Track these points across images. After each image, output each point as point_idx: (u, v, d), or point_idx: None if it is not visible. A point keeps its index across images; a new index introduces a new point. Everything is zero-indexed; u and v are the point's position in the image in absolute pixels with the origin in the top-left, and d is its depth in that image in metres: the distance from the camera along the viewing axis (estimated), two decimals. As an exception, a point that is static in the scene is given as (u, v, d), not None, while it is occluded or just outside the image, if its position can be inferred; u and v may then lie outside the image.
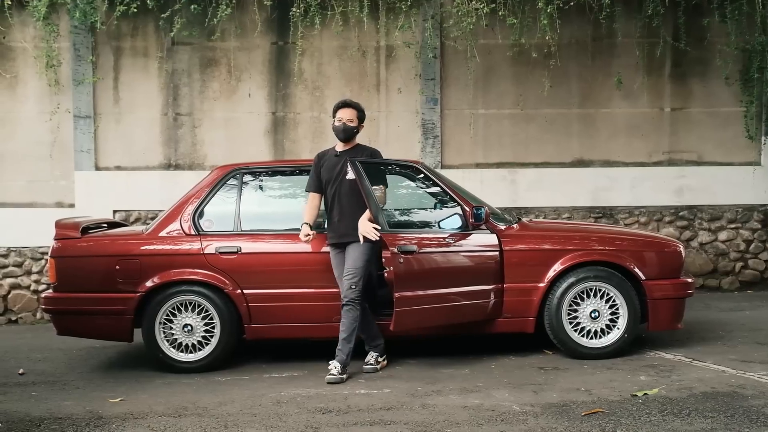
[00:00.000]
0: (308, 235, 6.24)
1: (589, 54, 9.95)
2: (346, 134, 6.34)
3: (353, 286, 6.04)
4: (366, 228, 6.04)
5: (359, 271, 6.07)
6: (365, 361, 6.24)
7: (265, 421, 5.01)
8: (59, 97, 9.65)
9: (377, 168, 6.33)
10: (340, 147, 6.40)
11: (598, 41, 9.95)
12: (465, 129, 9.88)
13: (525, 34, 9.25)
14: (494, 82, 9.96)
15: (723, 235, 10.07)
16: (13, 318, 9.67)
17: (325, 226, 6.39)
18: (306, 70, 9.83)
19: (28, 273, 9.78)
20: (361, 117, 6.40)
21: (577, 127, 10.01)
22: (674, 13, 9.59)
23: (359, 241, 6.10)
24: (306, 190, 6.44)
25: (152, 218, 9.49)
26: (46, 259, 9.67)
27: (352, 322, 6.07)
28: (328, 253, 6.35)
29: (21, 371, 6.69)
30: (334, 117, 6.40)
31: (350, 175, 6.19)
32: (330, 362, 6.05)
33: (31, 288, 9.77)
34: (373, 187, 6.10)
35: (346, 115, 6.34)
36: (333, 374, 5.95)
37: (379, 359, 6.29)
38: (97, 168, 9.77)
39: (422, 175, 6.78)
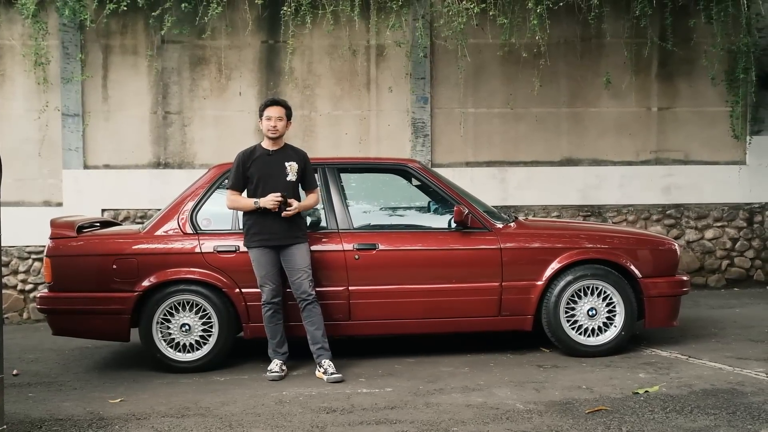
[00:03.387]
0: (278, 196, 6.09)
1: (578, 54, 10.01)
2: (279, 133, 6.28)
3: (311, 283, 6.16)
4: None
5: (310, 268, 6.19)
6: (269, 369, 6.16)
7: (269, 420, 5.00)
8: (48, 95, 9.56)
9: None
10: (270, 146, 6.30)
11: (586, 41, 10.01)
12: (455, 128, 9.91)
13: (515, 33, 9.28)
14: (484, 81, 9.99)
15: (709, 234, 10.17)
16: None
17: (246, 226, 6.24)
18: (296, 68, 9.82)
19: (15, 272, 9.69)
20: (289, 115, 6.36)
21: (566, 126, 10.07)
22: (661, 13, 9.67)
23: (303, 241, 6.20)
24: (230, 188, 6.29)
25: (141, 217, 9.48)
26: (34, 259, 9.62)
27: (320, 317, 6.18)
28: (325, 252, 6.36)
29: (15, 372, 6.63)
30: (261, 115, 6.31)
31: (291, 176, 6.21)
32: (323, 361, 6.09)
33: (18, 287, 9.68)
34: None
35: (276, 113, 6.27)
36: (334, 374, 5.99)
37: (283, 367, 6.22)
38: (86, 166, 9.70)
39: (416, 175, 6.81)
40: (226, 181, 6.65)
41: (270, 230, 6.16)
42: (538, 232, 6.80)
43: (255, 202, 6.14)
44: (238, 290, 6.38)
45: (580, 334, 6.49)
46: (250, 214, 6.20)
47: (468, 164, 9.97)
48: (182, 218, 6.55)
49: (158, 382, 6.10)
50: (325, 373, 6.04)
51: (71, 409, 5.41)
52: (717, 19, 9.33)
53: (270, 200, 6.07)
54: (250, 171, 6.23)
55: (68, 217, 7.10)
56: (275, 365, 6.17)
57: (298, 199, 6.24)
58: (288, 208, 6.10)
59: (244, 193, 6.30)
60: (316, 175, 6.48)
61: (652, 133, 10.17)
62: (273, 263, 6.18)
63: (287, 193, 6.13)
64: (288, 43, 9.47)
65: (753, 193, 10.19)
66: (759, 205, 10.21)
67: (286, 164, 6.24)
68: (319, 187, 6.48)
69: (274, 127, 6.23)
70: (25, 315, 9.65)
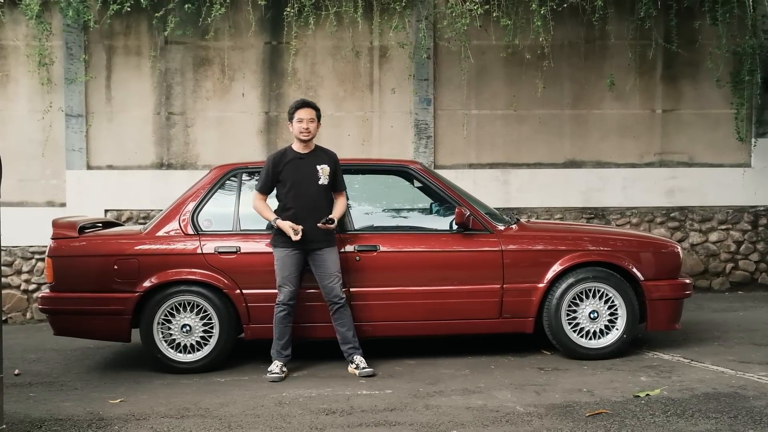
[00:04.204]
0: (297, 232, 6.12)
1: (581, 55, 9.99)
2: (312, 135, 6.28)
3: (342, 287, 6.20)
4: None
5: (340, 272, 6.22)
6: (270, 369, 6.16)
7: (269, 422, 4.99)
8: (51, 95, 9.57)
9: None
10: (301, 148, 6.31)
11: (590, 43, 9.98)
12: (458, 129, 9.90)
13: (518, 35, 9.27)
14: (487, 83, 9.97)
15: (714, 236, 10.14)
16: (3, 318, 9.57)
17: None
18: (299, 70, 9.82)
19: (18, 272, 9.70)
20: (318, 116, 6.36)
21: (569, 128, 10.05)
22: (666, 15, 9.64)
23: (331, 246, 6.20)
24: (258, 190, 6.32)
25: (144, 218, 9.49)
26: (37, 259, 9.62)
27: (350, 319, 6.22)
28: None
29: (16, 372, 6.64)
30: (291, 118, 6.29)
31: (323, 179, 6.21)
32: (355, 357, 6.17)
33: (21, 288, 9.69)
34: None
35: (308, 114, 6.26)
36: (366, 368, 6.11)
37: (284, 368, 6.20)
38: (89, 167, 9.71)
39: (417, 176, 6.80)
40: (228, 181, 6.67)
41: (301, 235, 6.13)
42: (539, 234, 6.79)
43: (274, 220, 6.17)
44: (238, 291, 6.38)
45: (581, 336, 6.47)
46: (279, 215, 6.20)
47: (471, 166, 9.95)
48: (183, 219, 6.55)
49: (158, 383, 6.10)
50: (357, 368, 6.12)
51: (71, 409, 5.41)
52: (722, 21, 9.31)
53: (287, 228, 6.08)
54: (282, 175, 6.23)
55: (70, 218, 7.09)
56: (276, 366, 6.16)
57: (331, 202, 6.27)
58: (328, 224, 6.12)
59: (270, 205, 6.34)
60: None
61: (656, 135, 10.14)
62: (297, 266, 6.18)
63: (319, 196, 6.19)
64: (291, 44, 9.47)
65: (758, 196, 10.15)
66: (764, 207, 10.17)
67: (318, 167, 6.23)
68: (346, 189, 6.45)
69: (307, 129, 6.22)
70: (28, 315, 9.66)
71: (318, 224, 6.09)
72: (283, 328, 6.22)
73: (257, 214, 6.57)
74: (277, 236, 6.20)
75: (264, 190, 6.31)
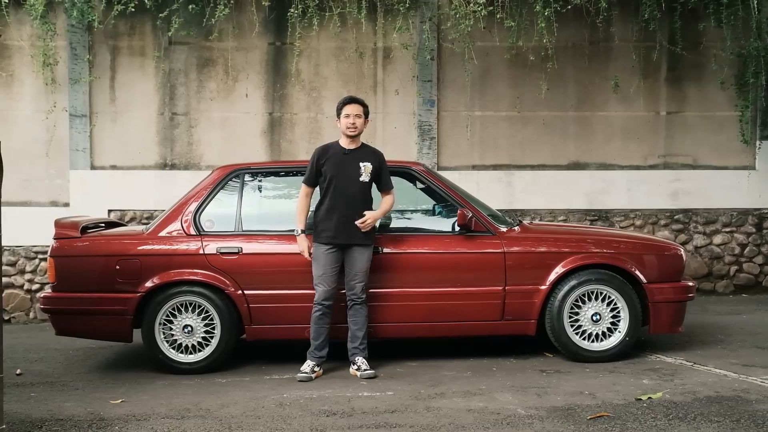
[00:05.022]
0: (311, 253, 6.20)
1: (586, 57, 9.98)
2: (358, 131, 6.27)
3: (364, 288, 6.18)
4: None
5: (367, 274, 6.18)
6: (301, 369, 6.15)
7: (269, 423, 4.98)
8: (55, 95, 9.57)
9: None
10: (347, 144, 6.30)
11: (595, 44, 9.97)
12: (461, 131, 9.89)
13: (522, 36, 9.26)
14: (491, 85, 9.96)
15: (718, 239, 10.11)
16: (6, 317, 9.60)
17: (315, 222, 6.24)
18: (303, 70, 9.82)
19: (22, 272, 9.72)
20: (366, 113, 6.35)
21: (573, 129, 10.03)
22: (671, 17, 9.61)
23: (367, 245, 6.18)
24: (304, 182, 6.30)
25: (148, 218, 9.49)
26: (40, 258, 9.63)
27: (365, 319, 6.20)
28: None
29: (18, 371, 6.64)
30: (339, 113, 6.30)
31: (365, 176, 6.19)
32: (357, 359, 6.18)
33: (25, 287, 9.70)
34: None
35: (355, 110, 6.26)
36: (367, 370, 6.11)
37: (315, 368, 6.18)
38: (93, 167, 9.72)
39: (420, 178, 6.79)
40: (231, 182, 6.68)
41: (331, 228, 6.14)
42: (542, 236, 6.76)
43: (297, 231, 6.23)
44: (240, 292, 6.37)
45: (583, 339, 6.46)
46: (318, 211, 6.22)
47: (474, 167, 9.94)
48: (186, 219, 6.54)
49: (160, 383, 6.10)
50: (358, 369, 6.13)
51: (72, 410, 5.41)
52: (727, 23, 9.29)
53: (302, 248, 6.20)
54: (324, 168, 6.22)
55: (73, 218, 7.09)
56: (308, 366, 6.16)
57: (370, 201, 6.25)
58: (362, 221, 6.13)
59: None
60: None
61: (661, 137, 10.12)
62: (333, 265, 6.16)
63: (359, 193, 6.18)
64: (295, 45, 9.47)
65: (762, 199, 10.13)
66: (768, 210, 10.17)
67: (361, 164, 6.21)
68: (394, 188, 6.42)
69: (353, 124, 6.21)
70: (31, 315, 9.67)
71: (355, 222, 6.11)
72: (319, 329, 6.18)
73: (259, 215, 6.62)
74: (316, 232, 6.20)
75: (308, 182, 6.29)
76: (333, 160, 6.22)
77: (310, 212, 6.32)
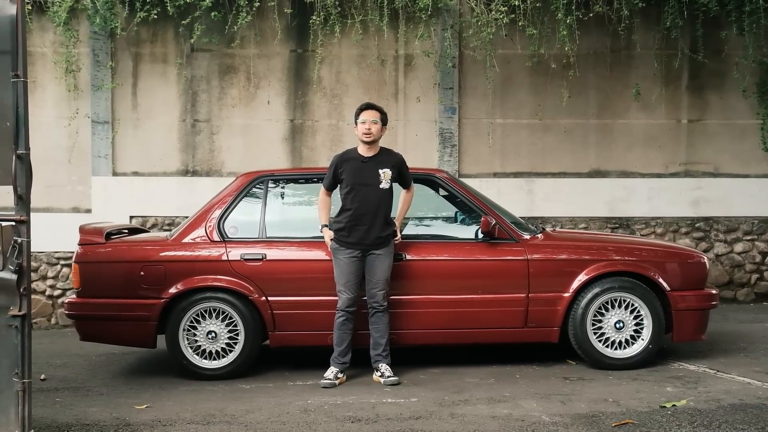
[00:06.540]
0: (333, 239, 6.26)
1: (607, 65, 9.97)
2: (374, 137, 6.28)
3: (385, 295, 6.19)
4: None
5: (388, 281, 6.22)
6: (325, 375, 6.17)
7: (294, 429, 5.00)
8: (78, 102, 9.65)
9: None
10: (364, 151, 6.32)
11: (616, 52, 9.96)
12: (483, 138, 9.89)
13: (544, 44, 9.26)
14: (512, 92, 9.97)
15: (739, 247, 10.07)
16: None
17: (335, 227, 6.25)
18: (325, 77, 9.85)
19: (44, 278, 9.78)
20: (384, 120, 6.38)
21: (594, 137, 10.02)
22: (692, 25, 9.60)
23: (387, 253, 6.21)
24: (323, 186, 6.35)
25: (169, 224, 9.54)
26: (62, 264, 9.69)
27: (386, 326, 6.21)
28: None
29: (42, 377, 6.68)
30: (356, 121, 6.33)
31: (384, 183, 6.20)
32: (380, 365, 6.19)
33: (47, 293, 9.77)
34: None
35: (371, 116, 6.28)
36: (391, 377, 6.12)
37: (339, 375, 6.20)
38: (115, 173, 9.78)
39: (443, 185, 6.80)
40: (255, 189, 6.71)
41: (353, 235, 6.17)
42: (565, 244, 6.75)
43: (321, 226, 6.32)
44: (264, 298, 6.39)
45: (607, 346, 6.45)
46: (340, 216, 6.24)
47: (495, 175, 9.94)
48: (209, 226, 6.57)
49: (184, 389, 6.12)
50: (382, 376, 6.14)
51: (98, 415, 5.44)
52: (749, 31, 9.25)
53: (326, 239, 6.30)
54: (343, 176, 6.26)
55: (97, 224, 7.13)
56: (331, 373, 6.17)
57: (390, 206, 6.28)
58: (398, 240, 6.33)
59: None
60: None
61: (682, 145, 10.09)
62: (355, 273, 6.18)
63: (380, 200, 6.20)
64: (317, 52, 9.50)
65: (783, 207, 10.10)
66: (789, 218, 10.12)
67: (380, 171, 6.23)
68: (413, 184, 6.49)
69: (369, 129, 6.23)
70: (53, 320, 9.73)
71: (393, 240, 6.29)
72: (342, 335, 6.20)
73: (284, 222, 6.65)
74: (337, 237, 6.22)
75: (327, 187, 6.35)
76: (351, 168, 6.25)
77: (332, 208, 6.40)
